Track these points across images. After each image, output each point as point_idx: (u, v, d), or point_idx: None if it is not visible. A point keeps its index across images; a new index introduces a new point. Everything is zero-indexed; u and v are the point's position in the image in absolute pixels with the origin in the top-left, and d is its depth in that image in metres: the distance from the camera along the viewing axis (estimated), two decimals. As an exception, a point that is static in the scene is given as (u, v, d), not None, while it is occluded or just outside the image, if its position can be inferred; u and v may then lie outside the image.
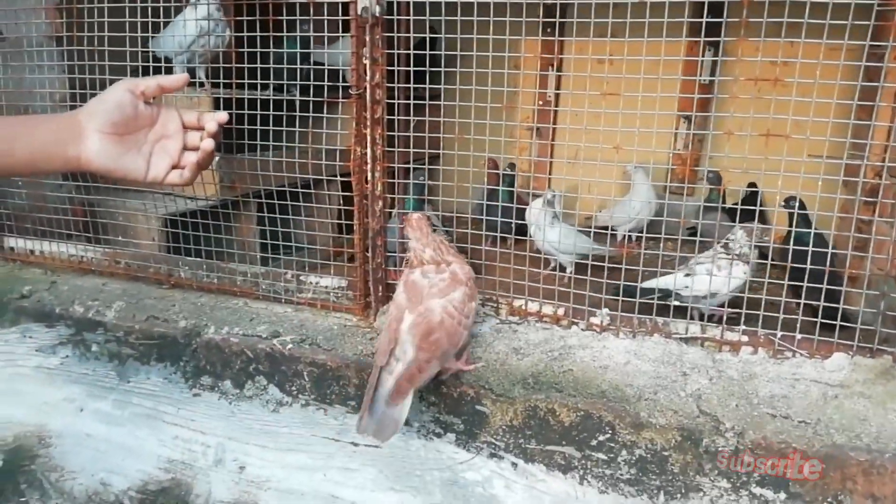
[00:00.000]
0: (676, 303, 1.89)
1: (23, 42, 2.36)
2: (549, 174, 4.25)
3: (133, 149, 1.01)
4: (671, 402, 1.54)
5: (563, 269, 3.06)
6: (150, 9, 2.13)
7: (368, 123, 1.84)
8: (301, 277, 2.10)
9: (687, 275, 2.02)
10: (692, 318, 1.95)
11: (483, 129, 1.83)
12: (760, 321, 1.69)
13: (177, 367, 1.98)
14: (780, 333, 1.67)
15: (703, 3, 1.56)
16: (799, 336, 1.66)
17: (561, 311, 1.86)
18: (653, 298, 1.90)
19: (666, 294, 1.97)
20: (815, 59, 1.53)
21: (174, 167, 1.04)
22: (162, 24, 2.40)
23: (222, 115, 1.03)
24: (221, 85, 2.62)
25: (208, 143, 1.02)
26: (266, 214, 2.70)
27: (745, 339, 1.70)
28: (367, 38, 1.77)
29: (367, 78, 1.80)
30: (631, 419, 1.52)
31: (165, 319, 2.03)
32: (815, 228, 2.03)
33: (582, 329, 1.83)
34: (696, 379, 1.61)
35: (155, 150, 1.03)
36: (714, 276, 1.91)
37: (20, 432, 2.10)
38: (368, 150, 1.86)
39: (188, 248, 2.26)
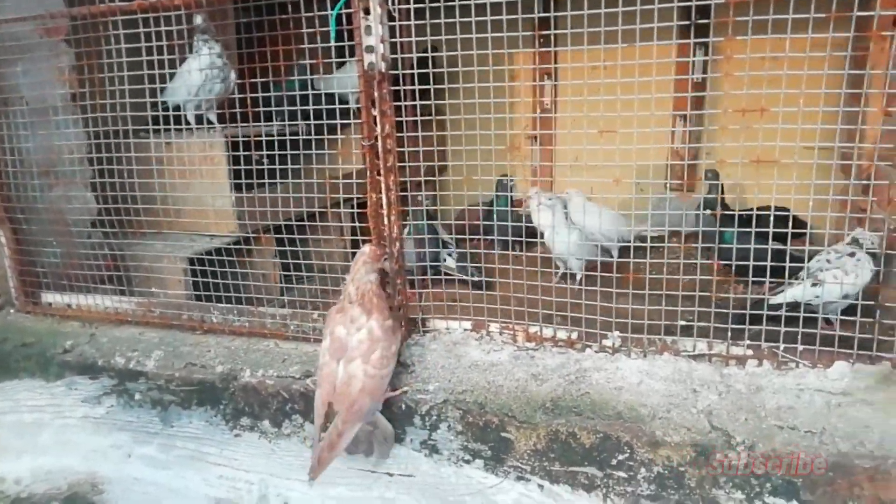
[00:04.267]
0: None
1: (45, 105, 2.49)
2: (552, 178, 4.38)
3: None
4: (684, 419, 1.65)
5: (572, 275, 3.17)
6: (161, 61, 2.24)
7: (382, 171, 1.95)
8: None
9: (815, 284, 2.04)
10: (827, 321, 1.97)
11: (485, 140, 1.94)
12: (763, 334, 1.79)
13: (217, 411, 2.11)
14: (782, 346, 1.77)
15: (691, 6, 1.65)
16: (801, 347, 1.76)
17: (574, 336, 1.97)
18: (780, 314, 1.84)
19: (793, 306, 1.94)
20: (803, 53, 1.62)
21: None
22: (168, 75, 2.53)
23: None
24: (227, 121, 2.77)
25: None
26: (283, 246, 2.83)
27: (749, 352, 1.80)
28: (376, 94, 1.88)
29: (378, 130, 1.91)
30: (647, 438, 1.63)
31: (203, 365, 2.15)
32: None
33: (595, 351, 1.94)
34: (706, 395, 1.71)
35: None
36: (842, 280, 1.95)
37: (73, 480, 2.23)
38: (383, 197, 1.97)
39: (215, 283, 2.38)
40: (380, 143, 1.92)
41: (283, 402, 2.01)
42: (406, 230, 3.37)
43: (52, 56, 2.44)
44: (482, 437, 1.80)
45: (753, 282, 2.18)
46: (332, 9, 1.91)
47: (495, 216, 3.23)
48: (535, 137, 4.73)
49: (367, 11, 1.84)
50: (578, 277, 3.17)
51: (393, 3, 1.83)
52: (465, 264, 3.18)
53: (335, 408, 1.73)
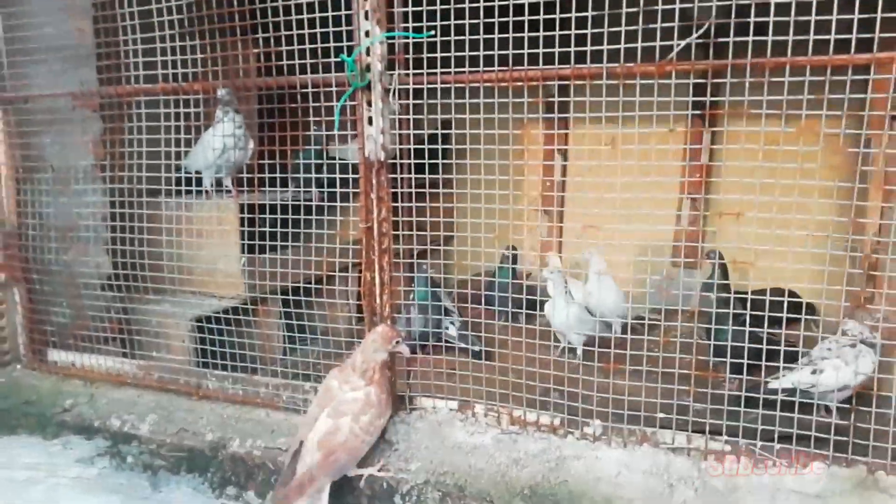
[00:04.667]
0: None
1: (69, 172, 2.64)
2: (560, 252, 4.48)
3: None
4: (658, 515, 1.66)
5: (572, 350, 3.20)
6: (181, 138, 2.39)
7: (376, 252, 2.05)
8: (318, 388, 2.27)
9: (813, 372, 2.08)
10: (822, 411, 2.00)
11: (491, 212, 2.00)
12: (741, 431, 1.81)
13: (204, 478, 2.14)
14: (759, 444, 1.79)
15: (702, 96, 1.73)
16: (778, 446, 1.77)
17: (557, 421, 2.00)
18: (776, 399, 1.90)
19: (791, 393, 1.99)
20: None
21: None
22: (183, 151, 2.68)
23: None
24: (246, 189, 2.90)
25: None
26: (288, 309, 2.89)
27: (727, 448, 1.82)
28: (374, 180, 2.00)
29: (375, 214, 2.02)
30: (622, 532, 1.64)
31: (194, 432, 2.21)
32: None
33: (577, 438, 1.96)
34: (682, 491, 1.72)
35: None
36: (841, 369, 1.98)
37: (60, 541, 2.26)
38: (377, 276, 2.06)
39: (220, 344, 2.45)
40: (375, 227, 2.02)
41: (269, 474, 2.04)
42: (409, 298, 3.46)
43: (81, 126, 2.61)
44: (460, 522, 1.82)
45: (740, 378, 2.21)
46: (339, 100, 2.04)
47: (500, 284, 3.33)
48: (544, 211, 4.86)
49: (369, 104, 1.98)
50: (579, 352, 3.19)
51: (394, 98, 1.96)
52: (466, 333, 3.23)
53: (306, 453, 1.80)
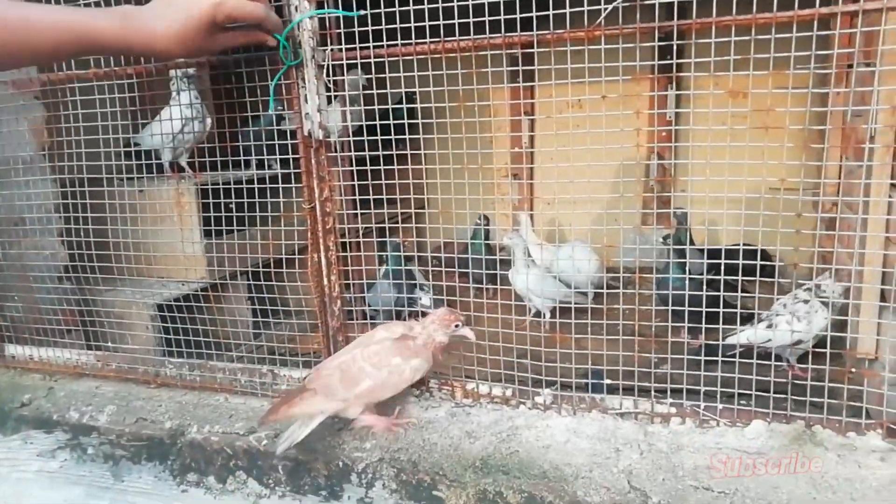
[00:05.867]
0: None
1: (10, 163, 2.57)
2: (531, 212, 4.53)
3: None
4: (604, 479, 1.70)
5: (540, 314, 3.23)
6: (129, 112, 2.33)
7: (321, 233, 2.03)
8: (275, 371, 2.27)
9: (768, 326, 2.12)
10: (780, 360, 2.05)
11: (460, 179, 1.96)
12: (684, 393, 1.84)
13: (165, 466, 2.15)
14: (703, 404, 1.82)
15: (661, 45, 1.69)
16: (720, 406, 1.81)
17: (509, 392, 2.02)
18: (734, 354, 1.91)
19: (748, 347, 2.06)
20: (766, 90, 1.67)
21: None
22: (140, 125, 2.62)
23: None
24: (207, 167, 2.87)
25: None
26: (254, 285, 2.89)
27: (673, 410, 1.85)
28: (314, 160, 1.97)
29: (317, 194, 2.00)
30: (569, 498, 1.67)
31: (153, 421, 2.21)
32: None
33: (528, 408, 1.99)
34: (627, 454, 1.76)
35: None
36: (794, 324, 2.04)
37: (26, 534, 2.27)
38: (322, 257, 2.05)
39: (180, 333, 2.43)
40: (318, 207, 2.00)
41: (228, 459, 2.05)
42: (381, 272, 3.47)
43: (20, 114, 2.54)
44: (415, 496, 1.84)
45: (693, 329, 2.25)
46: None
47: (474, 251, 3.36)
48: (514, 174, 4.88)
49: (304, 82, 1.94)
50: (547, 317, 3.22)
51: (328, 75, 1.92)
52: (440, 304, 3.24)
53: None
